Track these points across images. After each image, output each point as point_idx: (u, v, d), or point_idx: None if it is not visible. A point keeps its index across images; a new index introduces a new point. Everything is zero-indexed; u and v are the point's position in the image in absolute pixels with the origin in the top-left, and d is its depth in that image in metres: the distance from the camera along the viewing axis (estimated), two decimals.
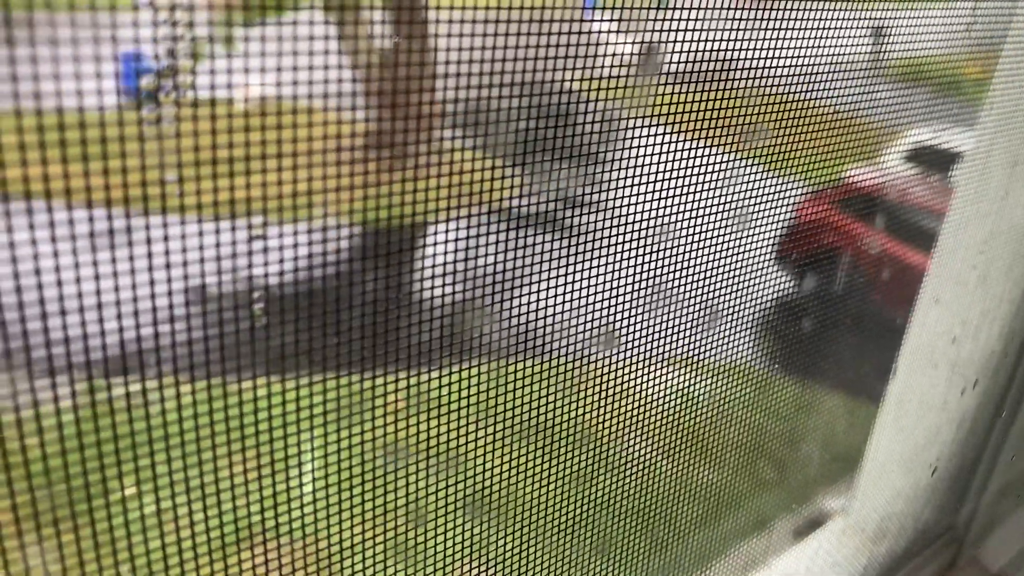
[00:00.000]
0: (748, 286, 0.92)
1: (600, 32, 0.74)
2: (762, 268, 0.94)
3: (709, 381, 0.96)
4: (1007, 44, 0.93)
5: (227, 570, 0.59)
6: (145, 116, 0.43)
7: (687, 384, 0.94)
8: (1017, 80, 0.95)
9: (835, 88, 0.88)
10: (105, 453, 0.49)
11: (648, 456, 0.91)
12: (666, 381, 0.90)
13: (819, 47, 0.79)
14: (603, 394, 0.84)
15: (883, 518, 1.16)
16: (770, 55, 0.75)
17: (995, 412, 1.14)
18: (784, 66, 0.78)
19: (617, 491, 0.91)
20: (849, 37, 0.83)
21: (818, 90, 0.84)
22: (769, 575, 1.08)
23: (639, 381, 0.86)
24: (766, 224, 0.89)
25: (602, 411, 0.85)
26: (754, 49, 0.74)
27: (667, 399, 0.91)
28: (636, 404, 0.89)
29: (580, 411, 0.81)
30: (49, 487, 0.47)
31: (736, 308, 0.93)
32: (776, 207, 0.89)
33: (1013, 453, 1.16)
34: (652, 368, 0.86)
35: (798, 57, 0.77)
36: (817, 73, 0.82)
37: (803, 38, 0.77)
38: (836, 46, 0.80)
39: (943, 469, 1.17)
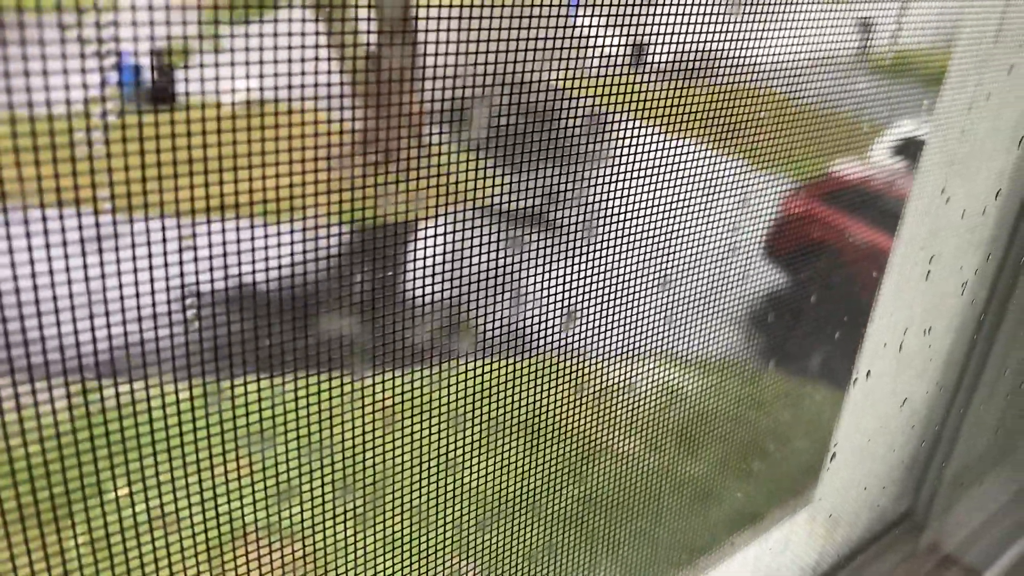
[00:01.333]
0: (733, 281, 0.93)
1: (585, 28, 0.74)
2: (748, 263, 0.95)
3: (690, 375, 0.97)
4: (960, 39, 0.94)
5: (218, 569, 0.59)
6: (130, 116, 0.43)
7: (668, 378, 0.94)
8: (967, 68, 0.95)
9: (822, 83, 0.88)
10: (89, 454, 0.49)
11: (623, 448, 0.91)
12: (647, 375, 0.90)
13: (806, 42, 0.79)
14: (584, 389, 0.84)
15: (845, 505, 1.18)
16: (756, 50, 0.75)
17: (951, 400, 1.17)
18: (770, 61, 0.78)
19: (594, 482, 0.91)
20: (836, 31, 0.83)
21: (804, 85, 0.85)
22: (732, 565, 1.09)
23: (623, 375, 0.87)
24: (753, 219, 0.89)
25: (584, 406, 0.85)
26: (740, 45, 0.75)
27: (648, 392, 0.92)
28: (618, 398, 0.89)
29: (562, 407, 0.82)
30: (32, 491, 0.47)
31: (722, 302, 0.93)
32: (763, 202, 0.89)
33: (968, 439, 1.19)
34: (635, 362, 0.86)
35: (785, 52, 0.78)
36: (804, 68, 0.83)
37: (789, 33, 0.77)
38: (823, 41, 0.81)
39: (902, 456, 1.19)
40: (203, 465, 0.54)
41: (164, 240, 0.47)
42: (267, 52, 0.46)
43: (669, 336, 0.86)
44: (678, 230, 0.79)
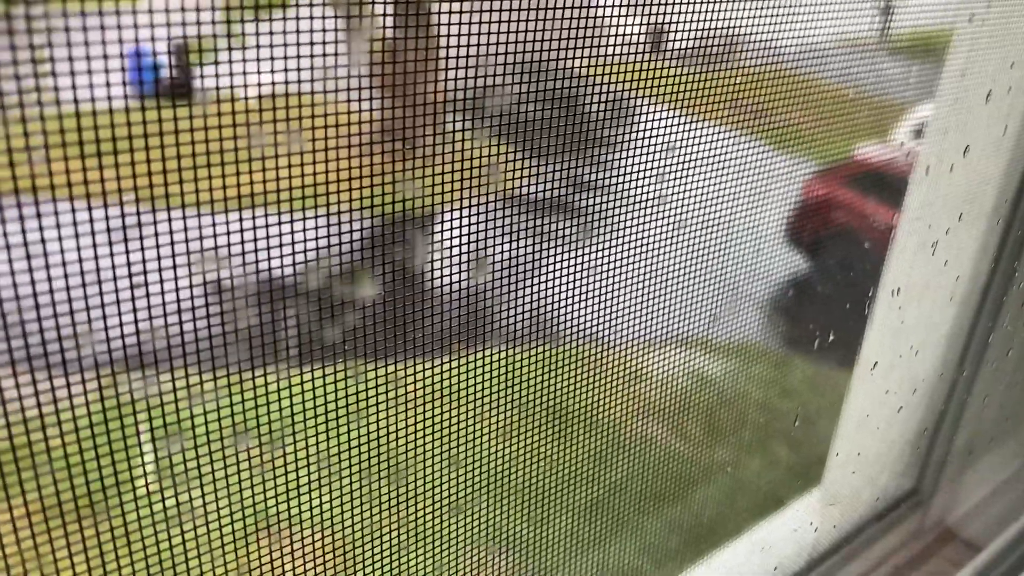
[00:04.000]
0: (757, 265, 0.92)
1: (605, 13, 0.74)
2: (771, 248, 0.94)
3: (700, 358, 0.96)
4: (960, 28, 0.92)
5: (246, 561, 0.59)
6: (153, 111, 0.43)
7: (694, 364, 0.94)
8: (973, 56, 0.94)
9: (844, 65, 0.87)
10: (117, 449, 0.49)
11: (627, 430, 0.91)
12: (673, 361, 0.90)
13: (827, 24, 0.78)
14: (611, 376, 0.84)
15: (851, 484, 1.18)
16: (778, 33, 0.74)
17: (956, 374, 1.16)
18: (792, 44, 0.77)
19: (618, 468, 0.91)
20: (857, 14, 0.82)
21: (827, 68, 0.84)
22: (739, 547, 1.09)
23: (649, 362, 0.86)
24: (776, 203, 0.88)
25: (610, 393, 0.85)
26: (762, 27, 0.74)
27: (672, 379, 0.92)
28: (644, 385, 0.89)
29: (588, 394, 0.82)
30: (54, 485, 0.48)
31: (745, 287, 0.93)
32: (785, 186, 0.88)
33: (974, 418, 1.18)
34: (661, 349, 0.86)
35: (806, 35, 0.77)
36: (826, 51, 0.82)
37: (811, 15, 0.76)
38: (844, 23, 0.80)
39: (907, 434, 1.19)
40: (229, 457, 0.54)
41: (185, 232, 0.47)
42: (286, 45, 0.46)
43: (684, 321, 0.85)
44: (697, 214, 0.79)
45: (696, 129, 0.72)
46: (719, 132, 0.75)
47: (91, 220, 0.42)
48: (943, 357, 1.15)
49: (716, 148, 0.75)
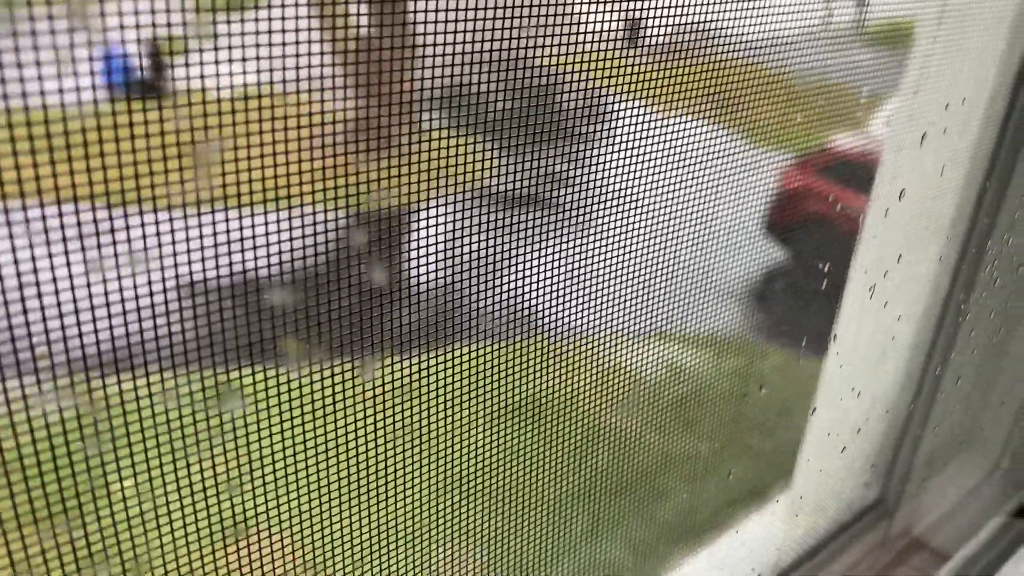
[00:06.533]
0: (732, 257, 0.93)
1: (579, 6, 0.74)
2: (748, 239, 0.95)
3: (688, 353, 0.97)
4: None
5: (223, 564, 0.59)
6: (126, 110, 0.43)
7: (667, 356, 0.94)
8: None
9: (817, 56, 0.88)
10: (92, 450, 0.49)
11: (596, 422, 0.91)
12: (646, 354, 0.90)
13: (799, 15, 0.78)
14: (585, 369, 0.85)
15: (816, 493, 1.18)
16: (751, 24, 0.75)
17: (918, 388, 1.17)
18: (765, 35, 0.78)
19: (589, 462, 0.92)
20: (829, 3, 0.83)
21: (798, 59, 0.84)
22: (699, 559, 1.09)
23: (623, 355, 0.87)
24: (752, 195, 0.89)
25: (585, 386, 0.85)
26: (734, 19, 0.74)
27: (646, 372, 0.92)
28: (617, 377, 0.90)
29: (563, 387, 0.82)
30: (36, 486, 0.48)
31: (721, 279, 0.93)
32: (761, 178, 0.89)
33: (936, 427, 1.19)
34: (635, 341, 0.87)
35: (779, 25, 0.77)
36: (798, 41, 0.82)
37: (782, 5, 0.77)
38: (815, 12, 0.80)
39: (872, 444, 1.20)
40: (204, 459, 0.54)
41: (158, 232, 0.47)
42: (259, 41, 0.45)
43: (661, 313, 0.86)
44: (673, 207, 0.79)
45: (669, 123, 0.72)
46: (692, 125, 0.75)
47: (60, 220, 0.42)
48: (907, 363, 1.16)
49: (689, 141, 0.75)
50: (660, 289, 0.84)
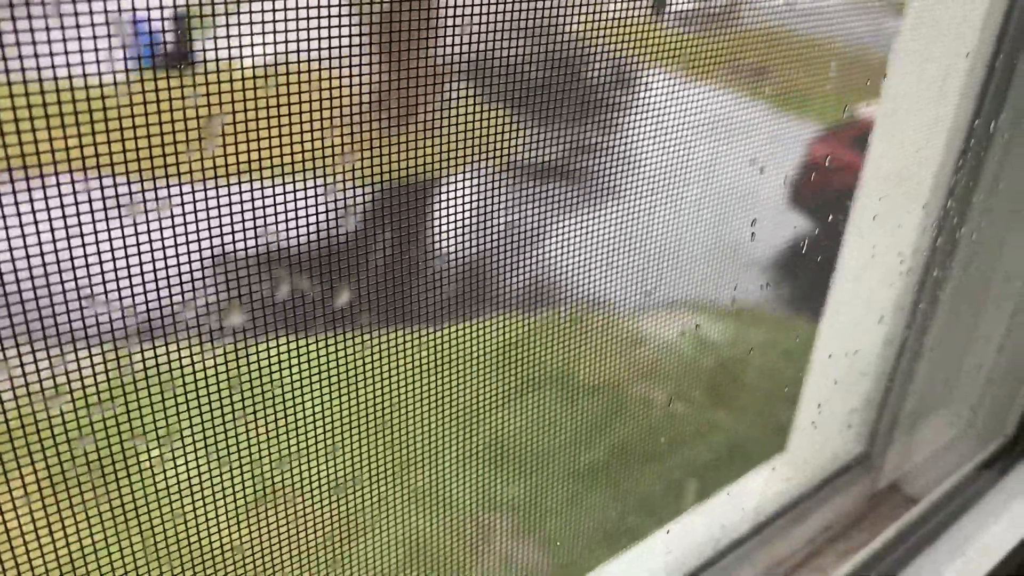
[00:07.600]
0: (761, 228, 0.92)
1: None
2: (775, 210, 0.94)
3: (713, 324, 0.97)
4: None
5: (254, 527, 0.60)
6: (154, 81, 0.43)
7: (692, 328, 0.94)
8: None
9: (847, 23, 0.86)
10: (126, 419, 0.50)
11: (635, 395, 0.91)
12: (669, 327, 0.90)
13: None
14: (610, 341, 0.85)
15: (808, 448, 1.20)
16: None
17: (901, 344, 1.18)
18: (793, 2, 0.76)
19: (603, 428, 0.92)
20: None
21: (828, 26, 0.83)
22: (696, 515, 1.10)
23: (649, 328, 0.87)
24: (778, 166, 0.88)
25: (610, 358, 0.85)
26: None
27: (669, 345, 0.92)
28: (643, 350, 0.90)
29: (587, 359, 0.82)
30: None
31: (747, 251, 0.93)
32: (788, 148, 0.88)
33: (923, 381, 1.21)
34: (661, 314, 0.86)
35: None
36: (829, 8, 0.81)
37: None
38: None
39: (860, 398, 1.21)
40: (238, 425, 0.55)
41: (183, 203, 0.47)
42: (285, 13, 0.45)
43: (674, 283, 0.86)
44: (698, 175, 0.79)
45: (695, 92, 0.71)
46: (719, 94, 0.74)
47: (88, 193, 0.42)
48: (891, 321, 1.17)
49: (716, 110, 0.75)
50: (682, 259, 0.83)
